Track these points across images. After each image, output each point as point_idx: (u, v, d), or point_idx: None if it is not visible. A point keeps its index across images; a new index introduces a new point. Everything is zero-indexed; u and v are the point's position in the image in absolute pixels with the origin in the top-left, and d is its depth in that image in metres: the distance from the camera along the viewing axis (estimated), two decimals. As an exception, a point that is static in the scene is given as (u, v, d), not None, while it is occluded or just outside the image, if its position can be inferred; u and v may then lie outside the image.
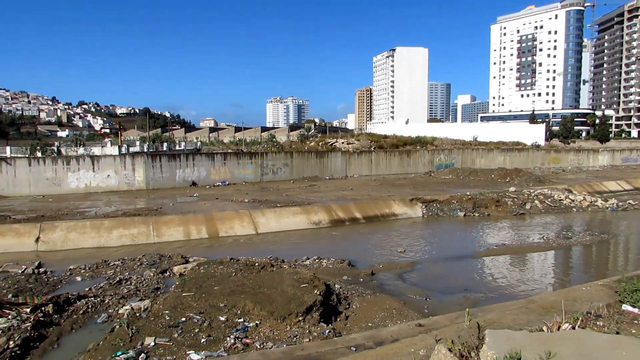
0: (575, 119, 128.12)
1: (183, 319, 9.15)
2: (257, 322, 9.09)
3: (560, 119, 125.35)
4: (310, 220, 23.45)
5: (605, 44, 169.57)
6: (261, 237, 21.40)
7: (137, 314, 10.00)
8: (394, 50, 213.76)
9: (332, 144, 49.50)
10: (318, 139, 56.62)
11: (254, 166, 39.12)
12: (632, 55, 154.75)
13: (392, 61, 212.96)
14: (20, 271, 15.53)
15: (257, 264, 13.06)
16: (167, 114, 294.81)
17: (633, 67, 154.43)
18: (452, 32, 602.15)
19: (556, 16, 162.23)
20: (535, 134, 77.87)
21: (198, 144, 51.79)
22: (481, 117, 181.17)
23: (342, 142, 50.22)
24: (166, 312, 9.51)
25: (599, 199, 31.97)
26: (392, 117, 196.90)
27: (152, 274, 14.88)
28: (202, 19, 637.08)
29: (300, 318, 9.33)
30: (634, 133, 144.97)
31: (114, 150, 36.79)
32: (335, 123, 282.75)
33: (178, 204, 26.56)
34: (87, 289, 13.25)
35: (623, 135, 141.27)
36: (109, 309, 11.64)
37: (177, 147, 48.33)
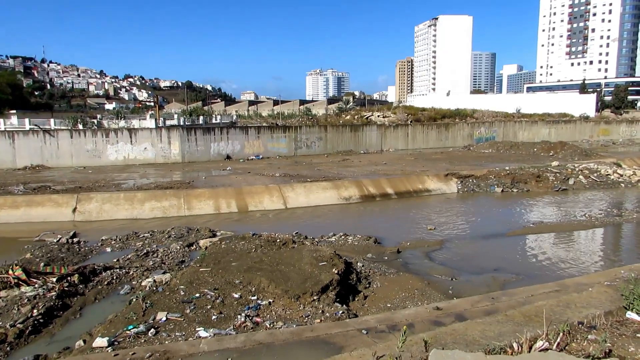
0: (630, 88, 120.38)
1: (197, 294, 9.14)
2: (270, 300, 8.96)
3: (613, 89, 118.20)
4: (340, 195, 23.15)
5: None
6: (290, 212, 21.32)
7: (154, 288, 10.08)
8: (436, 19, 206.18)
9: (367, 117, 48.58)
10: (354, 112, 55.70)
11: (288, 140, 38.96)
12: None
13: (435, 31, 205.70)
14: (55, 240, 16.09)
15: (278, 240, 12.94)
16: (209, 87, 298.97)
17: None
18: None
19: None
20: (584, 104, 73.81)
21: (234, 118, 51.98)
22: (527, 87, 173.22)
23: (378, 116, 49.18)
24: (182, 287, 9.53)
25: (651, 174, 30.00)
26: (434, 89, 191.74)
27: (178, 247, 15.07)
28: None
29: (315, 297, 9.12)
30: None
31: (152, 124, 37.42)
32: (376, 95, 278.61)
33: (211, 177, 26.82)
34: (114, 260, 13.54)
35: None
36: (132, 281, 11.85)
37: (214, 121, 48.69)
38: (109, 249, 15.28)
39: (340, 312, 8.65)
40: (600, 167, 30.87)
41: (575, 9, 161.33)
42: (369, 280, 11.37)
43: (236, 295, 9.10)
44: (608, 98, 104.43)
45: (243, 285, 9.49)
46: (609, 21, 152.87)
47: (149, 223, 19.09)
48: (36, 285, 10.49)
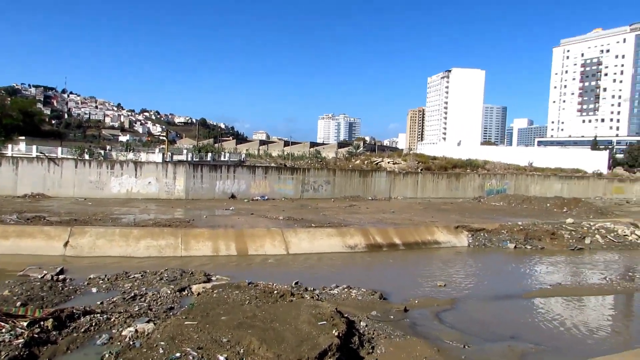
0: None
1: (178, 354, 8.05)
2: (259, 365, 7.86)
3: (625, 146, 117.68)
4: (345, 243, 22.09)
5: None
6: (291, 258, 20.25)
7: (132, 342, 9.01)
8: (449, 71, 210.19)
9: (377, 163, 48.00)
10: (364, 157, 55.27)
11: (295, 182, 38.28)
12: None
13: (447, 82, 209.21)
14: (40, 276, 15.08)
15: (275, 292, 11.85)
16: (222, 125, 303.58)
17: None
18: (511, 55, 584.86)
19: (624, 40, 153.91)
20: (596, 161, 72.99)
21: (242, 156, 51.75)
22: (538, 141, 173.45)
23: (388, 162, 48.61)
24: (162, 342, 8.46)
25: (671, 237, 28.65)
26: (444, 139, 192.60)
27: (169, 292, 14.01)
28: (263, 31, 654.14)
29: (311, 364, 8.00)
30: None
31: (159, 158, 37.06)
32: (386, 142, 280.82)
33: (212, 216, 25.97)
34: (98, 303, 12.49)
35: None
36: (112, 329, 10.76)
37: (222, 158, 48.39)
38: (94, 289, 14.24)
39: (339, 385, 7.52)
40: (617, 226, 29.60)
41: (587, 68, 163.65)
42: (372, 344, 10.20)
43: (221, 358, 8.00)
44: (620, 155, 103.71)
45: (231, 345, 8.40)
46: (620, 81, 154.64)
47: (142, 262, 18.08)
48: (3, 330, 9.46)
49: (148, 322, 11.09)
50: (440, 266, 20.24)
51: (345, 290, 14.88)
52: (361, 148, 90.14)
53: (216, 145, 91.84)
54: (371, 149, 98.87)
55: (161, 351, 8.21)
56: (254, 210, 29.03)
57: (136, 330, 10.33)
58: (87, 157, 34.93)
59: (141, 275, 15.69)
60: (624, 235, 28.04)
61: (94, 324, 10.88)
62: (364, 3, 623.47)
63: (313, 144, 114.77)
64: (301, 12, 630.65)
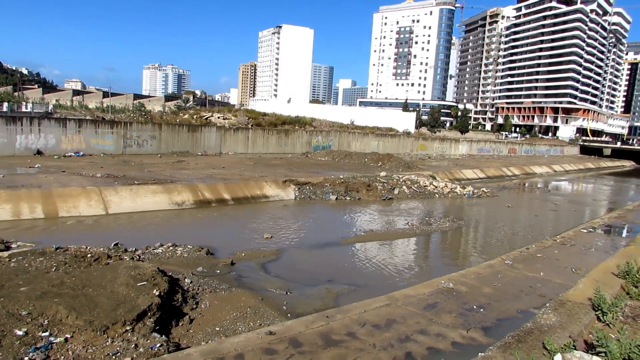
0: (442, 110, 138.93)
1: (-40, 335, 6.90)
2: (67, 335, 7.20)
3: (429, 109, 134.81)
4: (172, 200, 21.24)
5: (470, 44, 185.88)
6: (112, 219, 18.75)
7: None
8: (280, 27, 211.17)
9: (207, 118, 46.57)
10: (194, 111, 53.04)
11: (116, 136, 35.08)
12: (490, 56, 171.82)
13: (278, 38, 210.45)
14: None
15: (89, 255, 10.88)
16: (24, 71, 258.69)
17: (490, 67, 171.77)
18: (338, 16, 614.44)
19: (431, 12, 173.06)
20: (407, 121, 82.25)
21: (50, 107, 45.18)
22: (360, 101, 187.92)
23: (218, 117, 47.54)
24: (-61, 325, 7.14)
25: (458, 186, 34.26)
26: (275, 95, 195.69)
27: (-49, 265, 11.81)
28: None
29: (128, 327, 7.64)
30: (488, 126, 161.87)
31: None
32: (218, 97, 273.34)
33: (12, 175, 22.40)
34: None
35: (479, 127, 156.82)
36: None
37: (23, 109, 41.50)
38: None
39: (158, 344, 7.32)
40: (419, 178, 34.17)
41: (401, 36, 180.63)
42: (196, 300, 10.16)
43: (20, 333, 7.11)
44: (425, 117, 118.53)
45: (32, 318, 7.51)
46: (427, 50, 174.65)
47: None
48: None
49: None
50: (268, 219, 20.91)
51: (171, 248, 14.43)
52: (191, 102, 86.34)
53: (16, 94, 78.23)
54: (202, 103, 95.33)
55: (-63, 334, 6.94)
56: (66, 167, 25.87)
57: None
58: None
59: None
60: (425, 186, 32.52)
61: None
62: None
63: (137, 96, 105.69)
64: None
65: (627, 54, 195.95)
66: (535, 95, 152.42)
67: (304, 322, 8.46)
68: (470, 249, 20.05)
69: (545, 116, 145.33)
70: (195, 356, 6.71)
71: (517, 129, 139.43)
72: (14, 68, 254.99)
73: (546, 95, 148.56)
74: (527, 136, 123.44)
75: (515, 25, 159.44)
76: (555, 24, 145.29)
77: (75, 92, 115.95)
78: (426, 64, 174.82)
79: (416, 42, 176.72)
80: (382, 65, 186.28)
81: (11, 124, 30.13)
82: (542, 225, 24.98)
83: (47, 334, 7.21)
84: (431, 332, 8.66)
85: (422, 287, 11.21)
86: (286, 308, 10.64)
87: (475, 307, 10.26)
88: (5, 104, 38.15)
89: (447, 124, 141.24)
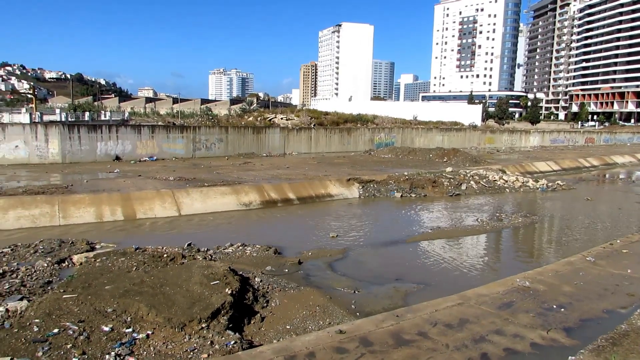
0: (510, 101, 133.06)
1: (56, 329, 7.49)
2: (149, 331, 7.60)
3: (496, 100, 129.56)
4: (239, 201, 21.88)
5: (539, 30, 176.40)
6: (184, 220, 19.63)
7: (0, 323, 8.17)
8: (339, 25, 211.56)
9: (270, 120, 47.60)
10: (257, 113, 54.41)
11: (185, 140, 36.68)
12: (562, 41, 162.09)
13: (338, 37, 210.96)
14: None
15: (165, 255, 11.45)
16: (102, 81, 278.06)
17: (562, 53, 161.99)
18: (398, 11, 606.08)
19: (496, 0, 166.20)
20: (472, 114, 79.53)
21: (126, 115, 48.22)
22: (422, 96, 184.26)
23: (281, 118, 48.43)
24: (37, 320, 7.79)
25: (530, 179, 32.57)
26: (337, 94, 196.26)
27: (45, 265, 12.83)
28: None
29: (204, 325, 7.93)
30: (561, 116, 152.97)
31: (26, 118, 33.05)
32: (280, 98, 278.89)
33: (95, 180, 24.06)
34: (-43, 285, 11.09)
35: (552, 117, 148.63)
36: (-23, 312, 9.66)
37: (102, 118, 44.58)
38: (-47, 270, 12.59)
39: (232, 342, 7.54)
40: (488, 173, 32.88)
41: (465, 26, 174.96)
42: (267, 298, 10.37)
43: (106, 329, 7.60)
44: (492, 109, 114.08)
45: (117, 315, 8.00)
46: (493, 39, 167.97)
47: (12, 235, 16.32)
48: None
49: (21, 299, 10.12)
50: (333, 218, 20.99)
51: (240, 248, 14.84)
52: (254, 104, 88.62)
53: (96, 103, 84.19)
54: (265, 105, 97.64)
55: (35, 329, 7.57)
56: (141, 171, 27.43)
57: (7, 310, 9.36)
58: None
59: (11, 250, 14.15)
60: (494, 181, 31.25)
61: (-46, 308, 9.68)
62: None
63: (204, 101, 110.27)
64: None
65: None
66: (614, 80, 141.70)
67: (373, 321, 8.39)
68: (546, 246, 19.00)
69: (627, 102, 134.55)
70: (268, 354, 6.85)
71: (595, 117, 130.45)
72: (93, 79, 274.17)
73: (627, 79, 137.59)
74: (606, 124, 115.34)
75: (590, 6, 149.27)
76: (635, 2, 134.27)
77: (148, 100, 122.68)
78: (492, 54, 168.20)
79: (480, 32, 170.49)
80: (444, 57, 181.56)
81: (92, 132, 32.36)
82: (627, 219, 23.14)
83: (130, 330, 7.66)
84: (507, 332, 8.27)
85: (496, 286, 10.76)
86: (354, 307, 10.60)
87: (555, 306, 9.69)
88: (87, 114, 41.19)
89: (516, 115, 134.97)
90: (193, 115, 51.75)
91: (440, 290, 11.67)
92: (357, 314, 10.13)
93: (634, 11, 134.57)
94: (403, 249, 16.69)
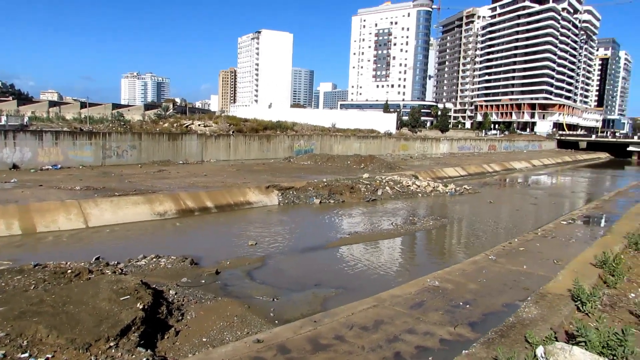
0: (422, 110, 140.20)
1: None
2: (48, 355, 7.02)
3: (409, 110, 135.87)
4: (154, 210, 20.97)
5: (447, 44, 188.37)
6: (92, 232, 18.41)
7: None
8: (259, 32, 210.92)
9: (187, 126, 46.15)
10: (174, 119, 52.54)
11: (94, 147, 34.50)
12: (467, 56, 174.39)
13: (257, 44, 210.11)
14: None
15: (69, 271, 10.65)
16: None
17: (468, 66, 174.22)
18: (317, 21, 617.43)
19: (409, 14, 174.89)
20: (388, 122, 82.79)
21: (26, 119, 44.34)
22: (341, 104, 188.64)
23: (199, 125, 47.14)
24: None
25: (440, 184, 34.57)
26: (256, 101, 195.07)
27: None
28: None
29: (112, 343, 7.48)
30: (468, 124, 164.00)
31: None
32: (198, 104, 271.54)
33: (-13, 192, 21.84)
34: None
35: (459, 126, 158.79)
36: None
37: (-2, 123, 40.56)
38: None
39: (144, 359, 7.19)
40: (402, 179, 34.37)
41: (380, 38, 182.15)
42: (182, 311, 10.02)
43: (-2, 355, 6.90)
44: (405, 118, 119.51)
45: (10, 340, 7.29)
46: (406, 51, 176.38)
47: None
48: None
49: None
50: (252, 226, 20.79)
51: (154, 260, 14.22)
52: (171, 110, 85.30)
53: (-10, 106, 76.53)
54: (182, 111, 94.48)
55: None
56: (43, 181, 25.34)
57: None
58: None
59: None
60: (407, 186, 32.72)
61: None
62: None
63: (116, 106, 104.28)
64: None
65: (597, 49, 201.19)
66: (512, 93, 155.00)
67: (291, 328, 8.41)
68: (454, 246, 20.23)
69: (523, 112, 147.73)
70: (182, 369, 6.61)
71: (496, 126, 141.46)
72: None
73: (523, 92, 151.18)
74: (506, 133, 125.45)
75: (491, 24, 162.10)
76: (529, 23, 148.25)
77: (52, 104, 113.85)
78: (405, 65, 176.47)
79: (395, 44, 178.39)
80: (361, 67, 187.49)
81: (-15, 139, 29.39)
82: (524, 219, 25.33)
83: (26, 354, 7.01)
84: (419, 330, 8.69)
85: (409, 287, 11.25)
86: (273, 315, 10.56)
87: (461, 303, 10.34)
88: (-22, 119, 37.30)
89: (428, 124, 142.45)
90: (103, 121, 48.78)
91: (358, 294, 11.97)
92: (276, 322, 10.09)
93: (528, 30, 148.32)
94: (322, 255, 16.91)
